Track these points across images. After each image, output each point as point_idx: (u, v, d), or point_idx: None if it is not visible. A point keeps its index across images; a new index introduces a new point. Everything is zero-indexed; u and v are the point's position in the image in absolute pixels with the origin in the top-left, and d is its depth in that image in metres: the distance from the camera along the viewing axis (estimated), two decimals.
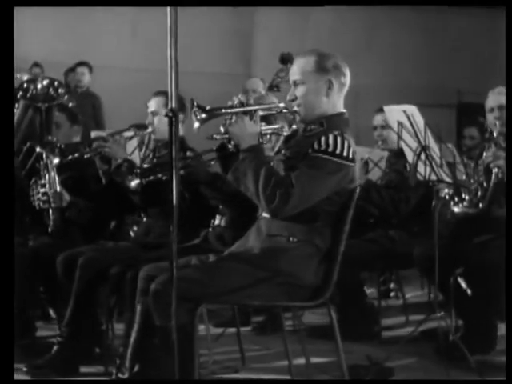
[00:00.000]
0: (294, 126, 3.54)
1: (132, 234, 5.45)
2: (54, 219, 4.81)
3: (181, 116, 4.51)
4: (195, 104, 3.32)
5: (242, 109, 3.39)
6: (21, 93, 4.88)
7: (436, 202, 4.10)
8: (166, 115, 2.94)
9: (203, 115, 3.29)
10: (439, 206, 4.10)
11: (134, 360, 3.47)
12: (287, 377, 3.91)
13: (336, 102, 3.46)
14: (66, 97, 4.93)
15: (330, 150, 3.19)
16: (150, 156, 4.78)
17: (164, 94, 4.63)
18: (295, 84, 3.42)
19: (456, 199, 4.04)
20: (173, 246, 2.91)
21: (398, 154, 4.83)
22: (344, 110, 3.48)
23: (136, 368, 3.47)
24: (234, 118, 3.33)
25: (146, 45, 9.42)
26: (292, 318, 4.59)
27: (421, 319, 4.45)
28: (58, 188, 4.76)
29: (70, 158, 4.61)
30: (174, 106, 2.95)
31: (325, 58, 3.40)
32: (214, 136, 3.38)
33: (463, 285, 4.23)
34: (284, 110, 3.47)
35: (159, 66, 8.88)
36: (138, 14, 9.55)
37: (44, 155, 4.80)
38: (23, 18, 9.25)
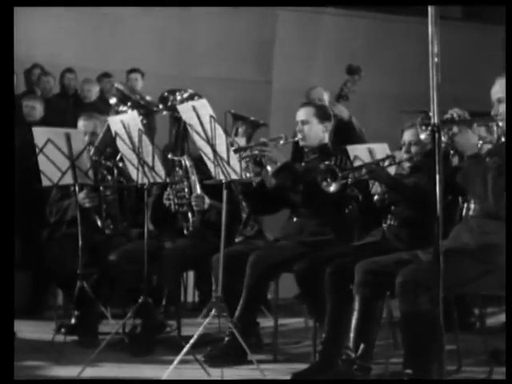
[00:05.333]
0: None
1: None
2: (194, 221, 5.17)
3: (328, 124, 4.97)
4: None
5: None
6: (160, 103, 5.20)
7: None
8: (432, 130, 3.35)
9: None
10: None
11: (358, 342, 3.92)
12: None
13: None
14: None
15: None
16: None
17: (312, 104, 5.05)
18: None
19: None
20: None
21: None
22: None
23: (361, 348, 3.92)
24: None
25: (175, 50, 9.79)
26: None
27: None
28: (199, 191, 5.12)
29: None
30: (436, 121, 3.38)
31: None
32: None
33: None
34: None
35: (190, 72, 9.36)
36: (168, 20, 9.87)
37: (185, 161, 5.15)
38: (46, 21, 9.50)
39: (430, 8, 3.54)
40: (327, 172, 4.21)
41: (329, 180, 4.19)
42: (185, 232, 5.22)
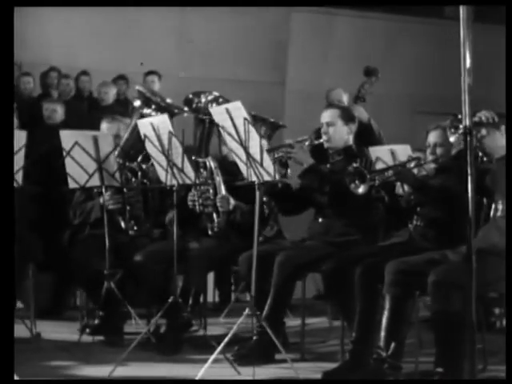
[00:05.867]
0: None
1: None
2: (219, 222, 5.22)
3: (352, 126, 5.02)
4: None
5: None
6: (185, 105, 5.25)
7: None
8: (464, 132, 3.39)
9: None
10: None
11: (389, 341, 3.97)
12: None
13: None
14: None
15: None
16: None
17: (336, 106, 5.10)
18: None
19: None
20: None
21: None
22: None
23: (391, 347, 3.97)
24: None
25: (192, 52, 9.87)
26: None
27: None
28: (224, 192, 5.17)
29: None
30: (468, 124, 3.43)
31: None
32: None
33: None
34: None
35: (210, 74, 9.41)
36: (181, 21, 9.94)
37: (210, 162, 5.20)
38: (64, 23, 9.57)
39: (461, 9, 3.57)
40: (355, 174, 4.26)
41: (357, 182, 4.24)
42: (209, 232, 5.27)
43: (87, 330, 5.41)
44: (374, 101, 7.46)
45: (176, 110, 5.75)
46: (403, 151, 5.47)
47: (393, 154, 5.41)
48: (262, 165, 3.97)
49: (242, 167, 4.18)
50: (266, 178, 4.04)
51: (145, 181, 5.57)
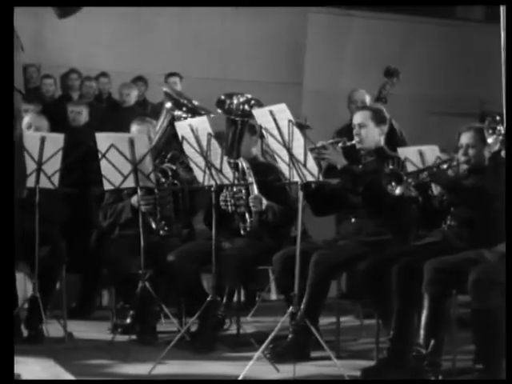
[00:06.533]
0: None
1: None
2: (252, 221, 5.30)
3: (384, 128, 5.10)
4: None
5: None
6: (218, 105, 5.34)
7: None
8: (506, 133, 3.46)
9: None
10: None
11: (429, 338, 4.05)
12: None
13: None
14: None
15: None
16: None
17: (368, 108, 5.17)
18: None
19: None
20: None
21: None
22: None
23: (431, 345, 4.05)
24: None
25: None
26: None
27: None
28: (257, 192, 5.25)
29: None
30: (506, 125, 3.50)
31: None
32: None
33: None
34: None
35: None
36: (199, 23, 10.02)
37: (242, 163, 5.28)
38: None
39: (502, 10, 3.61)
40: (392, 176, 4.33)
41: (393, 184, 4.31)
42: (241, 232, 5.34)
43: (119, 330, 5.50)
44: (388, 101, 7.55)
45: (202, 112, 5.82)
46: (431, 152, 5.54)
47: (421, 154, 5.48)
48: (305, 165, 4.04)
49: (284, 168, 4.25)
50: (309, 178, 4.11)
51: (175, 182, 5.65)
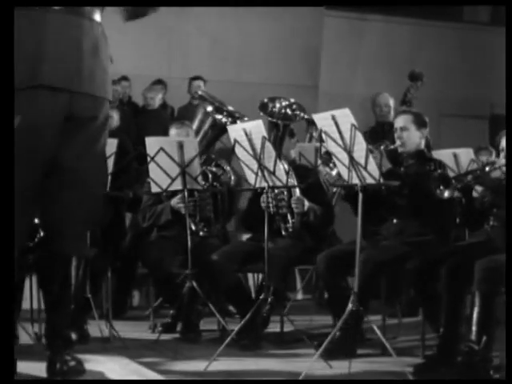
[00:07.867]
0: None
1: None
2: (294, 222, 5.45)
3: (424, 131, 5.26)
4: None
5: None
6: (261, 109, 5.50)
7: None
8: None
9: None
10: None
11: (481, 334, 4.19)
12: None
13: None
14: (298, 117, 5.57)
15: None
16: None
17: (410, 112, 5.32)
18: None
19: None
20: None
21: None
22: None
23: (483, 341, 4.20)
24: None
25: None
26: None
27: None
28: (299, 194, 5.40)
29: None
30: None
31: None
32: None
33: None
34: None
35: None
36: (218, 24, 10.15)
37: (284, 165, 5.41)
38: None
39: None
40: (440, 179, 4.49)
41: (441, 187, 4.47)
42: (283, 233, 5.49)
43: (159, 329, 5.64)
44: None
45: (237, 115, 5.97)
46: (466, 155, 5.73)
47: (455, 157, 5.67)
48: (365, 168, 4.19)
49: (344, 171, 4.40)
50: (369, 180, 4.26)
51: (215, 183, 5.79)
